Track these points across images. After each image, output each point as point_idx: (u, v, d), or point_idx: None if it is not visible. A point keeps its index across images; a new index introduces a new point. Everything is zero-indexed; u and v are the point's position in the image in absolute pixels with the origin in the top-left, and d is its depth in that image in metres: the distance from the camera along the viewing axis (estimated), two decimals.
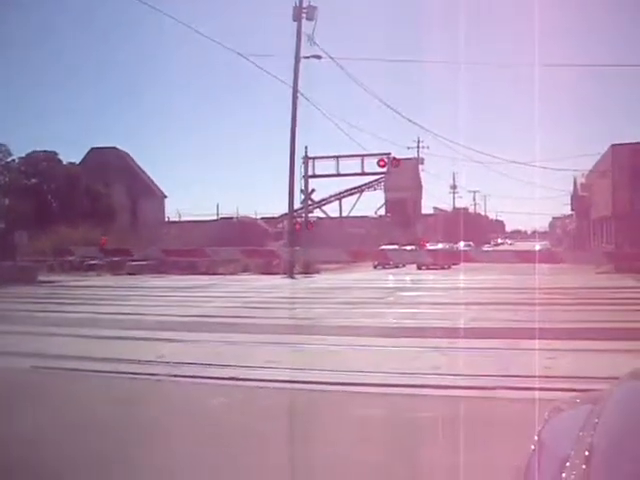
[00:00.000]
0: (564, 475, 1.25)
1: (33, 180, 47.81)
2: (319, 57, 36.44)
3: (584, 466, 1.24)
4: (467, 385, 7.83)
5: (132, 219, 51.29)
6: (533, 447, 1.53)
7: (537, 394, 6.48)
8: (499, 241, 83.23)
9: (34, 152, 48.91)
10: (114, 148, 54.92)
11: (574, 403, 1.86)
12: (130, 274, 32.88)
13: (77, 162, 52.67)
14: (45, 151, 49.27)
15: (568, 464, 1.28)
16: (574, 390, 5.91)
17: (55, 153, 49.70)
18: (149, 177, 60.18)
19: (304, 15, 36.46)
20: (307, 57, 36.48)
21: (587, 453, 1.29)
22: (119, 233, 38.12)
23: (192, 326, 13.55)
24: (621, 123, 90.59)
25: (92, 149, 55.83)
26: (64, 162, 50.28)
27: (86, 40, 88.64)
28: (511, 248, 52.53)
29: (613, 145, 36.75)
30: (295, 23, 36.62)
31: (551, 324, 12.29)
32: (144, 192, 56.55)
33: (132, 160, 58.42)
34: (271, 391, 8.10)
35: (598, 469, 1.24)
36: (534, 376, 7.88)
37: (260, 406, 7.39)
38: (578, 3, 69.39)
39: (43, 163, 48.54)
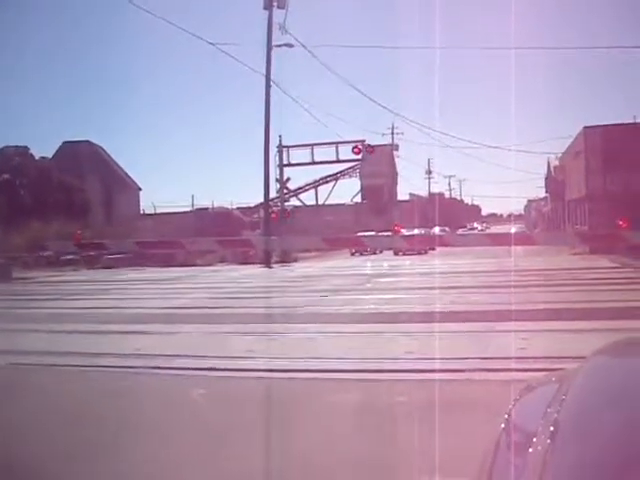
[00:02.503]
0: (531, 450, 1.27)
1: (5, 176, 47.25)
2: (291, 45, 36.39)
3: (549, 441, 1.26)
4: (444, 368, 7.88)
5: (107, 212, 50.85)
6: (503, 425, 1.55)
7: (513, 375, 6.56)
8: (475, 225, 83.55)
9: (5, 148, 48.33)
10: (87, 141, 54.34)
11: (544, 381, 1.88)
12: (106, 268, 32.66)
13: (49, 157, 52.18)
14: (16, 146, 48.71)
15: (535, 440, 1.30)
16: (549, 370, 5.97)
17: (26, 148, 49.17)
18: (123, 170, 59.72)
19: (275, 3, 36.33)
20: (279, 45, 36.40)
21: (552, 428, 1.31)
22: (94, 227, 37.82)
23: (170, 318, 13.51)
24: (594, 105, 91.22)
25: (64, 143, 55.22)
26: (36, 157, 49.80)
27: (54, 33, 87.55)
28: (486, 231, 52.82)
29: (585, 127, 36.97)
30: (266, 11, 36.52)
31: (527, 306, 12.41)
32: (118, 185, 56.08)
33: (105, 153, 57.93)
34: (251, 381, 8.11)
35: (562, 443, 1.26)
36: (510, 357, 7.97)
37: (240, 396, 7.40)
38: None
39: (15, 158, 47.98)
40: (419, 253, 34.87)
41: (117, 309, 15.58)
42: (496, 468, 1.36)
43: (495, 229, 55.02)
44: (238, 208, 56.74)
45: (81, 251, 29.92)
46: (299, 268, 31.20)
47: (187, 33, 57.14)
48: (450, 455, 4.52)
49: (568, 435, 1.29)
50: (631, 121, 37.31)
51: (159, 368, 8.79)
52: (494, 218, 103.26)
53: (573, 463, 1.17)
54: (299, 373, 8.23)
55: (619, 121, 36.63)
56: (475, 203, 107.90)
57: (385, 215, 56.55)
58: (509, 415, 1.61)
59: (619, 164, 32.34)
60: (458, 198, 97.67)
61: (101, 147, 57.25)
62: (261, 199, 40.28)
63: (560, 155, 48.44)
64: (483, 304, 13.70)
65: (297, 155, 52.64)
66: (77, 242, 20.42)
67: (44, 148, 55.51)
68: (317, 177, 63.20)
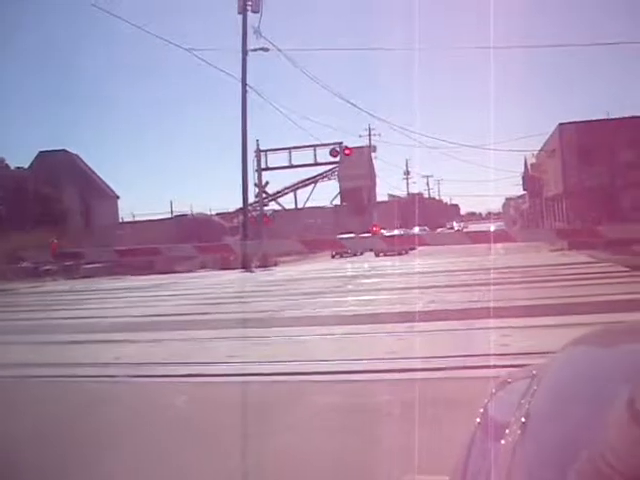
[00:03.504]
0: (503, 442, 1.27)
1: None
2: (266, 49, 36.46)
3: (519, 432, 1.27)
4: (427, 367, 7.90)
5: (85, 221, 50.60)
6: (478, 420, 1.56)
7: (496, 372, 6.57)
8: (454, 224, 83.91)
9: None
10: (63, 151, 53.99)
11: (520, 375, 1.89)
12: (86, 277, 32.48)
13: (25, 167, 51.84)
14: None
15: (507, 431, 1.31)
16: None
17: (2, 159, 48.91)
18: (100, 178, 59.39)
19: (249, 8, 36.34)
20: (254, 50, 36.44)
21: (523, 419, 1.31)
22: (72, 236, 37.55)
23: (150, 326, 13.44)
24: (570, 102, 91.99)
25: (40, 153, 54.81)
26: (12, 167, 49.50)
27: (31, 43, 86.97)
28: (465, 230, 53.07)
29: (560, 124, 37.28)
30: (240, 16, 36.54)
31: (508, 303, 12.48)
32: (96, 194, 55.78)
33: (82, 162, 57.56)
34: (233, 385, 8.09)
35: (532, 433, 1.26)
36: (492, 354, 8.00)
37: (222, 401, 7.37)
38: None
39: None
40: (399, 254, 34.97)
41: (97, 318, 15.46)
42: (471, 462, 1.36)
43: (473, 227, 55.25)
44: (217, 214, 56.67)
45: (58, 261, 29.68)
46: (280, 272, 31.16)
47: (163, 40, 57.08)
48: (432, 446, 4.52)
49: (538, 425, 1.30)
50: (604, 117, 37.73)
51: (141, 376, 8.74)
52: (473, 217, 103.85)
53: (541, 452, 1.17)
54: (282, 376, 8.23)
55: (594, 117, 37.03)
56: (454, 202, 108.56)
57: (364, 216, 56.67)
58: (485, 409, 1.62)
59: (594, 160, 32.66)
60: (437, 198, 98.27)
61: (78, 156, 56.90)
62: (240, 204, 40.30)
63: (537, 152, 48.78)
64: (464, 302, 13.74)
65: (275, 159, 52.66)
66: (54, 252, 20.20)
67: (20, 158, 55.24)
68: (296, 181, 63.27)
